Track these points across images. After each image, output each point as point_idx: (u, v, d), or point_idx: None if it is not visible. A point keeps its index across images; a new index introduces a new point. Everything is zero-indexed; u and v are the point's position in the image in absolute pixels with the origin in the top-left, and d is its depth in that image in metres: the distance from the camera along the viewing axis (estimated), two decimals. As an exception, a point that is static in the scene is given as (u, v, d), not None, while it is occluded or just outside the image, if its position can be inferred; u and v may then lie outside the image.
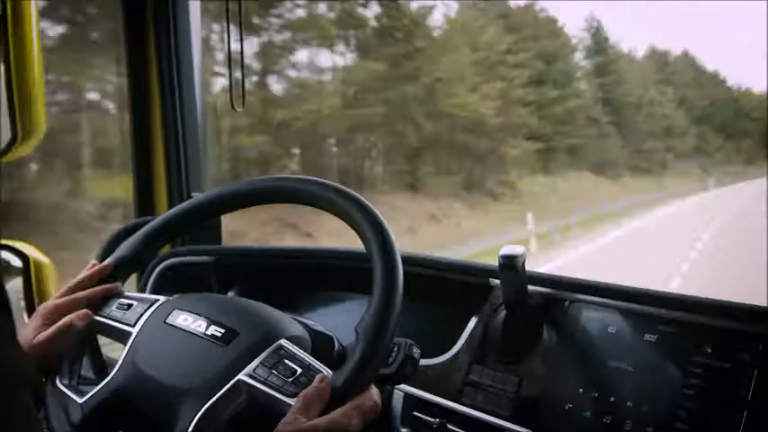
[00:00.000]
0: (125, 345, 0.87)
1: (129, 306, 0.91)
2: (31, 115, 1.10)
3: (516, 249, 1.00)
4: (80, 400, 0.82)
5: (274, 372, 0.78)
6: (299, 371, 0.78)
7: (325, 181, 0.92)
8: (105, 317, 0.91)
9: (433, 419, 1.07)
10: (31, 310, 1.33)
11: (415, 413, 1.10)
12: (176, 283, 1.39)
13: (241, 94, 1.51)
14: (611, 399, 0.94)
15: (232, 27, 1.47)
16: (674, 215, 23.41)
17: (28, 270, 1.36)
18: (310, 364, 0.79)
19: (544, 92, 29.43)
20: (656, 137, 43.42)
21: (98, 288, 0.94)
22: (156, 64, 1.57)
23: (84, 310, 0.89)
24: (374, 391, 0.78)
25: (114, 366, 0.86)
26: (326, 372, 0.78)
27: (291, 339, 0.83)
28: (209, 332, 0.84)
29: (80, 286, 0.94)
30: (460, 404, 1.06)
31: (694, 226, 17.62)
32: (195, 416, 0.76)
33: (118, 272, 0.98)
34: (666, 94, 48.06)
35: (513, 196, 21.92)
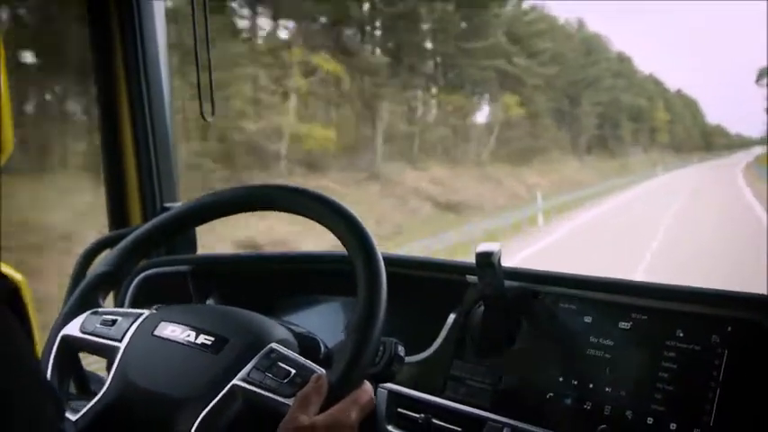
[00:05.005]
0: (113, 360, 0.87)
1: (114, 321, 0.91)
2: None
3: (492, 246, 1.02)
4: (74, 418, 0.82)
5: (269, 374, 0.79)
6: (293, 371, 0.79)
7: (301, 187, 0.94)
8: (90, 333, 0.91)
9: (417, 415, 1.09)
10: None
11: (400, 410, 1.12)
12: (154, 294, 1.38)
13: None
14: (591, 385, 0.98)
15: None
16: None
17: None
18: (303, 364, 0.81)
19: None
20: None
21: None
22: (123, 75, 1.56)
23: None
24: (368, 386, 0.80)
25: (102, 382, 0.86)
26: (320, 371, 0.80)
27: (281, 342, 0.84)
28: (198, 341, 0.85)
29: None
30: (444, 399, 1.09)
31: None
32: (193, 425, 0.77)
33: (98, 289, 0.97)
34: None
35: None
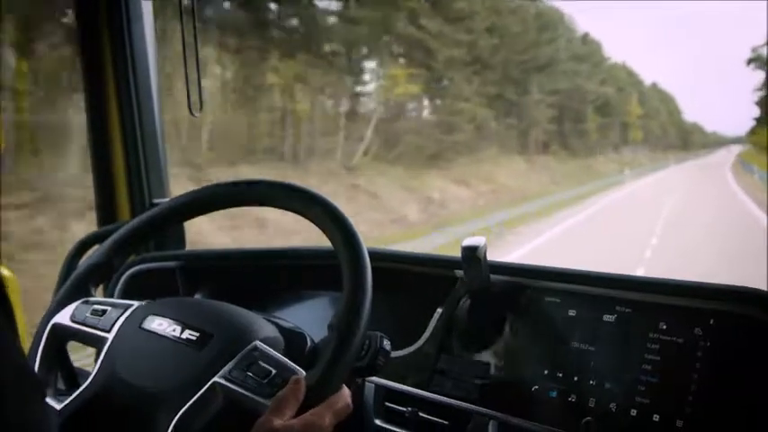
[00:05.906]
0: (100, 350, 0.88)
1: (104, 312, 0.92)
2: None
3: (478, 240, 1.03)
4: (58, 407, 0.83)
5: (249, 373, 0.79)
6: (274, 372, 0.79)
7: (289, 182, 0.94)
8: (80, 323, 0.91)
9: (404, 408, 1.10)
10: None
11: (387, 403, 1.12)
12: (143, 290, 1.38)
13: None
14: (575, 378, 0.98)
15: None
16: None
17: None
18: (285, 364, 0.81)
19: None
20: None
21: None
22: (112, 71, 1.56)
23: None
24: (346, 392, 0.80)
25: (87, 374, 0.87)
26: (300, 372, 0.79)
27: (265, 341, 0.84)
28: (183, 336, 0.85)
29: None
30: (430, 392, 1.09)
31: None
32: (173, 420, 0.77)
33: (91, 278, 0.98)
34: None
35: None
